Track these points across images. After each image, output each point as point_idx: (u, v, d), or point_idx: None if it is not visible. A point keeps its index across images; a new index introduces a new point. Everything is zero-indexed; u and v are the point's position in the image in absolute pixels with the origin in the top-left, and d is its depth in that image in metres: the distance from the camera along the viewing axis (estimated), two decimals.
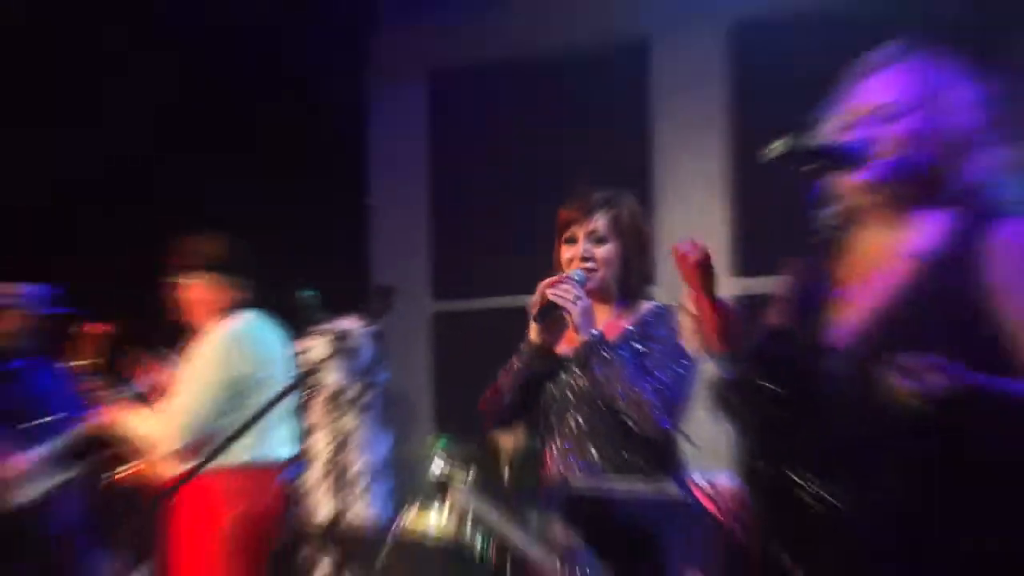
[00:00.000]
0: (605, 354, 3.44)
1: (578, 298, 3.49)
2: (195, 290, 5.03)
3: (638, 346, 3.53)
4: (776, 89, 6.20)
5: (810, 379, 2.26)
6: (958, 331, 2.25)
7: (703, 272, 2.46)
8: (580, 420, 3.53)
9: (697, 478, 4.55)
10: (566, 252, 3.65)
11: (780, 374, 2.21)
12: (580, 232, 3.63)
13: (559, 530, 2.72)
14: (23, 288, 6.01)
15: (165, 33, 7.30)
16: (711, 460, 6.62)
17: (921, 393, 2.02)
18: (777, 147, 2.31)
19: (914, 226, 2.43)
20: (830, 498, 2.23)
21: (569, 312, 3.48)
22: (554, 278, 3.55)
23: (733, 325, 2.42)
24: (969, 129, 2.40)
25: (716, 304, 2.45)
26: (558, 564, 3.03)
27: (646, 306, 3.65)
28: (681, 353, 3.47)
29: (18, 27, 6.99)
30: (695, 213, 7.05)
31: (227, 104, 7.62)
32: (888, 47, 2.50)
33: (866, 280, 2.44)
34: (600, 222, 3.62)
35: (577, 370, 3.53)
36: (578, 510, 2.62)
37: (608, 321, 3.64)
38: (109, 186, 7.41)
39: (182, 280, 5.04)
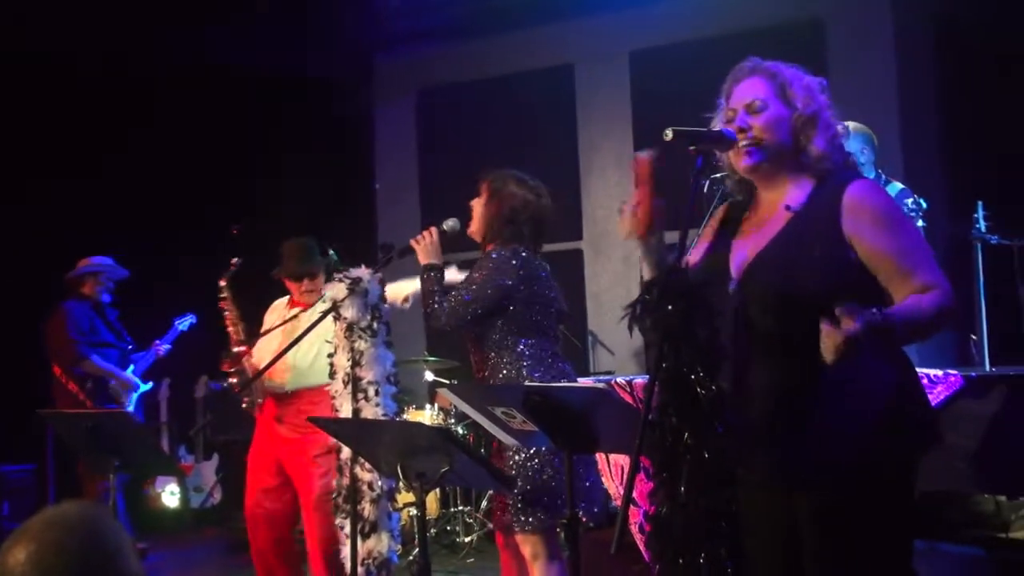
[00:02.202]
0: (433, 276, 3.47)
1: (428, 244, 3.52)
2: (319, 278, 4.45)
3: (467, 273, 3.48)
4: (664, 96, 6.35)
5: (702, 302, 2.17)
6: (824, 260, 2.21)
7: (649, 173, 2.30)
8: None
9: (618, 378, 4.48)
10: None
11: (679, 299, 2.13)
12: None
13: (518, 417, 2.62)
14: (100, 259, 5.86)
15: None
16: (630, 365, 6.71)
17: (843, 335, 1.95)
18: (669, 133, 2.20)
19: (788, 188, 2.34)
20: (716, 388, 2.15)
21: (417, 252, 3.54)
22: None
23: (657, 214, 2.28)
24: (814, 109, 2.31)
25: (651, 197, 2.29)
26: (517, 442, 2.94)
27: (493, 249, 3.48)
28: (490, 278, 3.36)
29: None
30: (611, 184, 7.35)
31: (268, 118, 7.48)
32: (747, 61, 2.40)
33: (758, 229, 2.36)
34: (481, 188, 3.57)
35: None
36: (531, 401, 2.52)
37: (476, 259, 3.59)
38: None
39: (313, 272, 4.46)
